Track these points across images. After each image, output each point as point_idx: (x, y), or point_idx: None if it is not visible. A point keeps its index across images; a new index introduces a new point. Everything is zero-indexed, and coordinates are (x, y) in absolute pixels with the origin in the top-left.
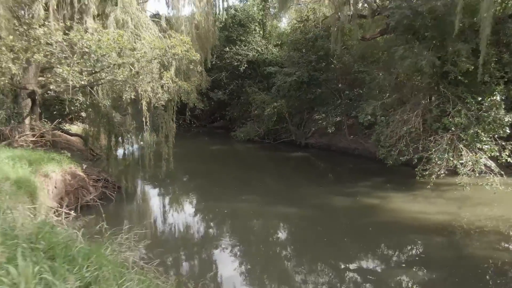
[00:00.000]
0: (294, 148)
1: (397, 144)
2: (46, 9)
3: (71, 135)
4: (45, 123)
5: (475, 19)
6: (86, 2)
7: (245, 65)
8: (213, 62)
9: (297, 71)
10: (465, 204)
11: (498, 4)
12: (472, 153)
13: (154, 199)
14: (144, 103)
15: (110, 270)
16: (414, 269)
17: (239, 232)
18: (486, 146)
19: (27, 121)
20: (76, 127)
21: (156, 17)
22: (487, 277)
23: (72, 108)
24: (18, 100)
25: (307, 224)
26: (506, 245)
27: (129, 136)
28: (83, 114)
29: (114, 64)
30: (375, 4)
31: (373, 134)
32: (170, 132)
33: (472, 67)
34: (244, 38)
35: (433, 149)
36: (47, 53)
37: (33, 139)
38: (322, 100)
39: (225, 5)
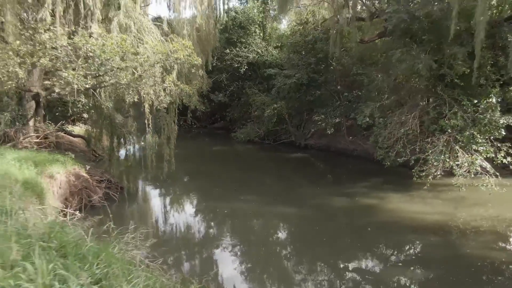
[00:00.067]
0: (293, 149)
1: (395, 146)
2: (53, 15)
3: (74, 136)
4: (49, 125)
5: (471, 22)
6: (92, 8)
7: (245, 67)
8: (214, 63)
9: (297, 73)
10: (461, 204)
11: (495, 7)
12: (468, 154)
13: (156, 199)
14: (146, 105)
15: (119, 267)
16: (411, 268)
17: (239, 232)
18: (482, 148)
19: (31, 123)
20: (78, 128)
21: (158, 20)
22: (483, 275)
23: (75, 109)
24: (23, 103)
25: (306, 224)
26: (501, 244)
27: (130, 137)
28: (85, 115)
29: (117, 68)
30: (373, 7)
31: (371, 135)
32: (172, 134)
33: (468, 70)
34: (244, 40)
35: (430, 151)
36: (52, 57)
37: (37, 140)
38: (322, 101)
39: (226, 8)
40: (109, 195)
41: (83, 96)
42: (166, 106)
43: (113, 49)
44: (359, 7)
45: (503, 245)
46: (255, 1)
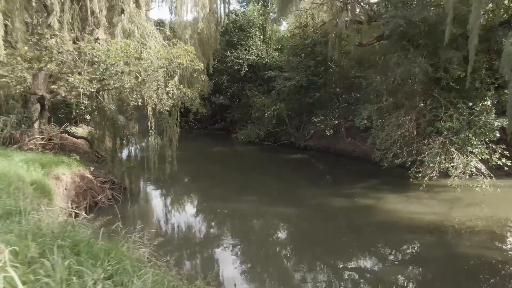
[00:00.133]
0: (293, 150)
1: (392, 147)
2: (60, 22)
3: (77, 137)
4: (54, 126)
5: (466, 27)
6: (98, 16)
7: (246, 69)
8: (215, 66)
9: (296, 75)
10: (456, 205)
11: (490, 11)
12: (463, 156)
13: (158, 200)
14: (149, 108)
15: (128, 264)
16: (408, 267)
17: (240, 231)
18: (477, 150)
19: (36, 125)
20: (81, 130)
21: (160, 24)
22: (478, 273)
23: (78, 111)
24: (28, 105)
25: (306, 224)
26: (495, 244)
27: (133, 138)
28: (87, 116)
29: (121, 72)
30: (371, 12)
31: (369, 137)
32: (174, 136)
33: (464, 74)
34: (244, 43)
35: (426, 152)
36: (59, 62)
37: (42, 142)
38: (321, 103)
39: (226, 11)
40: (113, 196)
41: (86, 98)
42: (168, 109)
43: (118, 54)
44: (357, 10)
45: (497, 244)
46: (256, 4)
